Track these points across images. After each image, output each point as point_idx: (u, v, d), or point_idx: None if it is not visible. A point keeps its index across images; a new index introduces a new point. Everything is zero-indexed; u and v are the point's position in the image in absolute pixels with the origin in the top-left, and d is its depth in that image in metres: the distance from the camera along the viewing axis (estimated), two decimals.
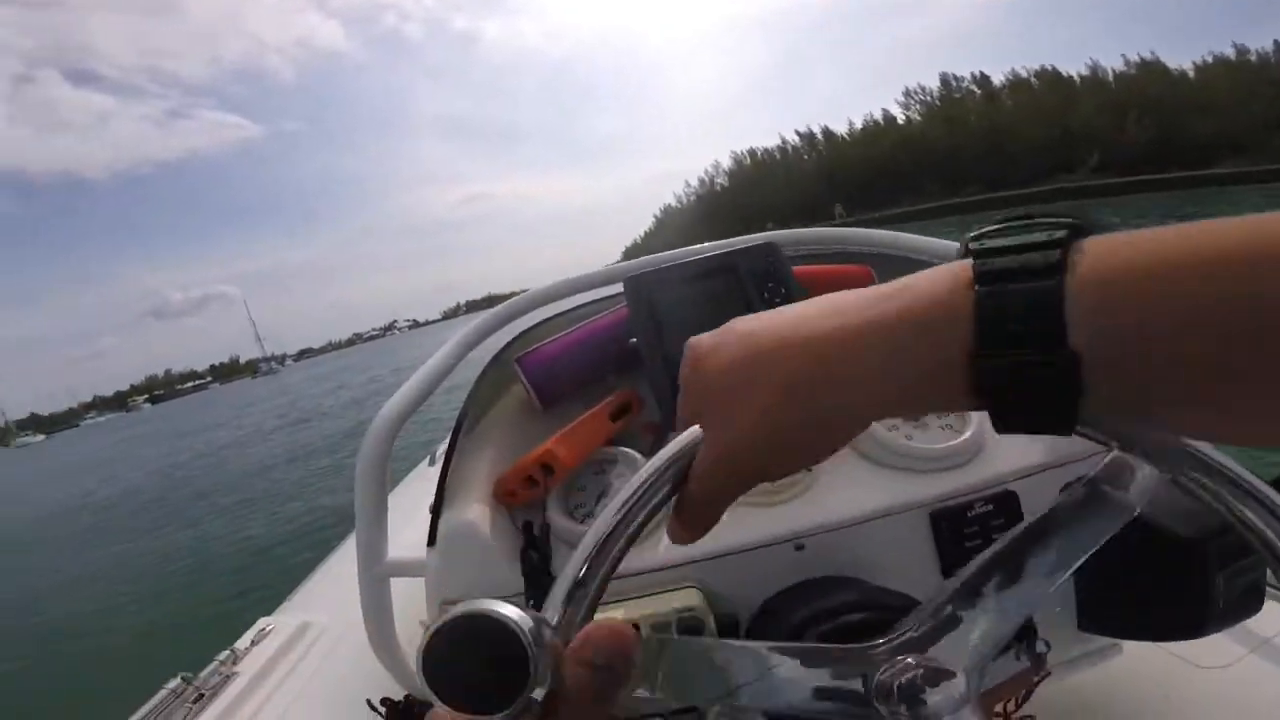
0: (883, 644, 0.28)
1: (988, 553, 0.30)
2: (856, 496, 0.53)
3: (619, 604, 0.50)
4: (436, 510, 0.56)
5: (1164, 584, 0.46)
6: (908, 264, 0.71)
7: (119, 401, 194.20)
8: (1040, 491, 0.53)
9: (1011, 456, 0.55)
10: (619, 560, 0.27)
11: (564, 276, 0.70)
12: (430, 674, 0.19)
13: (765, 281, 0.62)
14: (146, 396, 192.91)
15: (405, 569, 0.58)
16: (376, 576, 0.59)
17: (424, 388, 0.61)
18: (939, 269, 0.23)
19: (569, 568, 0.26)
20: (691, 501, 0.28)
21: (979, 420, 0.56)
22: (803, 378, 0.25)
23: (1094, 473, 0.31)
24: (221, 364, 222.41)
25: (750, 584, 0.51)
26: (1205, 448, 0.26)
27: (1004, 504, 0.53)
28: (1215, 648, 0.44)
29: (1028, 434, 0.23)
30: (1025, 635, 0.49)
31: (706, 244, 0.68)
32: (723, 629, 0.49)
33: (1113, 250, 0.20)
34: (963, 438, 0.55)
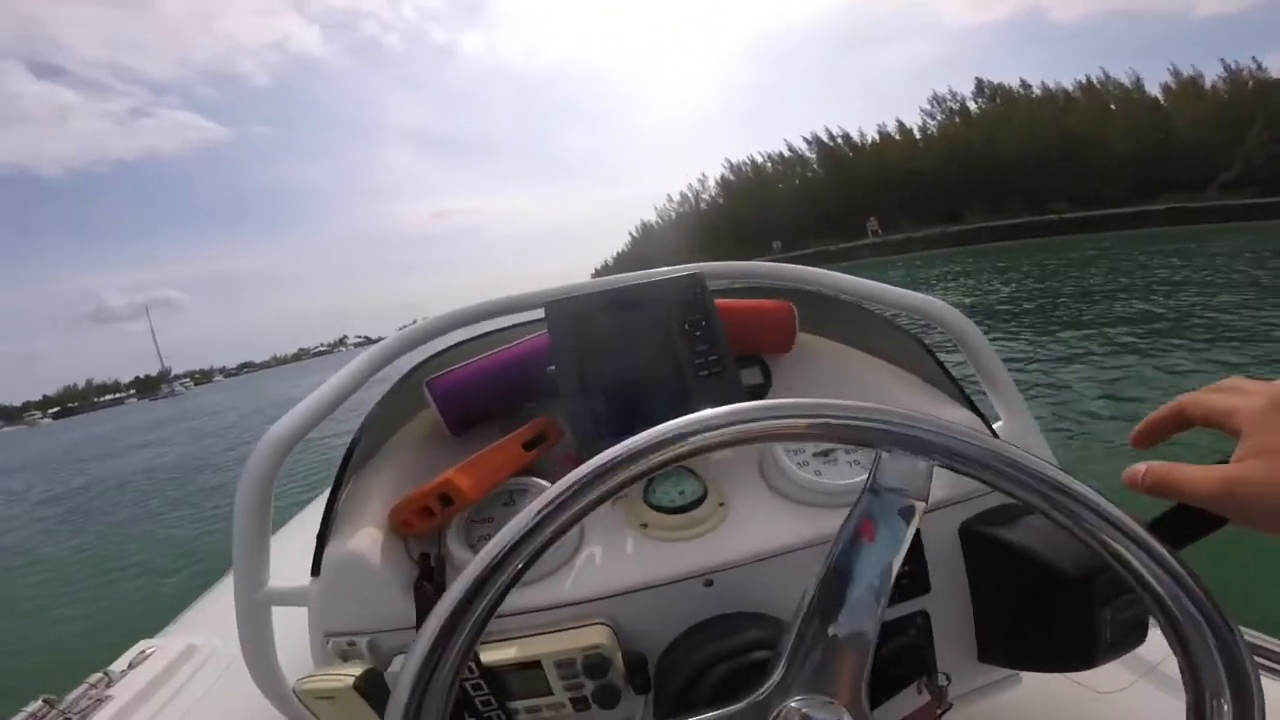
0: (763, 692, 0.36)
1: (814, 580, 0.39)
2: (766, 532, 0.61)
3: (523, 639, 0.56)
4: (322, 538, 0.62)
5: (1053, 619, 0.55)
6: (831, 303, 0.79)
7: (14, 414, 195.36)
8: (939, 526, 0.61)
9: None
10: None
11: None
12: None
13: (689, 314, 0.71)
14: (56, 409, 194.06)
15: (286, 598, 0.63)
16: (256, 604, 0.63)
17: (321, 408, 0.65)
18: None
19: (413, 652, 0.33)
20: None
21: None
22: None
23: (872, 480, 0.40)
24: (146, 376, 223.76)
25: (659, 621, 0.57)
26: (1088, 490, 0.33)
27: None
28: (1109, 674, 0.53)
29: None
30: (926, 669, 0.57)
31: (634, 273, 0.76)
32: (630, 667, 0.55)
33: None
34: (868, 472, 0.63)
